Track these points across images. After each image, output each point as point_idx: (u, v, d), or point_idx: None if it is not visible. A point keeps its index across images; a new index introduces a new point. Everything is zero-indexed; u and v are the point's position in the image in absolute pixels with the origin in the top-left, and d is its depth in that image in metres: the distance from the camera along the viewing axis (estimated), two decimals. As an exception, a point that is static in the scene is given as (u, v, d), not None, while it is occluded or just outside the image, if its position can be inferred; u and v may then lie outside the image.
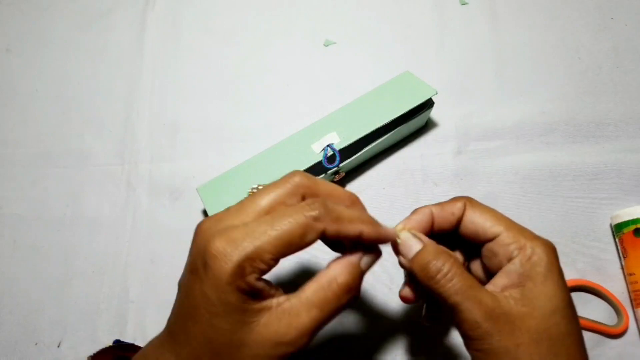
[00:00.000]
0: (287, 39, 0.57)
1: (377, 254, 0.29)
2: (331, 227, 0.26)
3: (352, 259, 0.28)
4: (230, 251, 0.24)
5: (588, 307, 0.44)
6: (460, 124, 0.52)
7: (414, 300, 0.33)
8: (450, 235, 0.32)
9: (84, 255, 0.49)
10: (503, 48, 0.55)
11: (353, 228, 0.27)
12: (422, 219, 0.32)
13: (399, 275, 0.46)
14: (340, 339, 0.44)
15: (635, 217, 0.43)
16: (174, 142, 0.53)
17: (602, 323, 0.43)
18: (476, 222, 0.30)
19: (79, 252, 0.49)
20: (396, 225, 0.31)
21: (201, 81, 0.56)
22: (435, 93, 0.46)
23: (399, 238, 0.30)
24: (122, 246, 0.49)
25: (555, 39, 0.55)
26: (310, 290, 0.26)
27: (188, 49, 0.57)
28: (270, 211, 0.26)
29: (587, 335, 0.43)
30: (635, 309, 0.43)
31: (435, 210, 0.32)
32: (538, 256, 0.28)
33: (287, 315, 0.26)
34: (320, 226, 0.26)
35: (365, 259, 0.28)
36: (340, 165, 0.45)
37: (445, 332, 0.44)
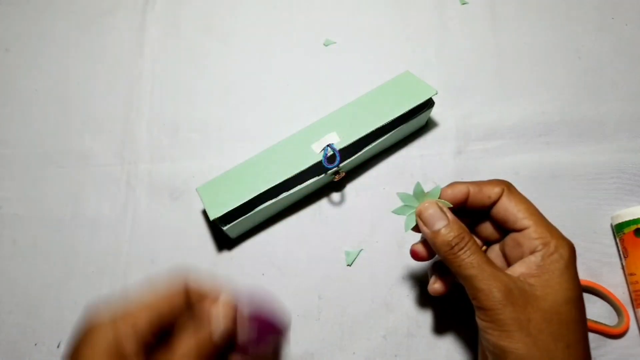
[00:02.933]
0: (287, 38, 0.57)
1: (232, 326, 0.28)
2: (192, 284, 0.28)
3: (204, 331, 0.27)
4: (107, 323, 0.25)
5: (588, 307, 0.43)
6: (460, 124, 0.52)
7: (424, 258, 0.35)
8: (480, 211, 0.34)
9: (84, 255, 0.49)
10: (503, 48, 0.55)
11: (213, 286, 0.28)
12: (456, 194, 0.33)
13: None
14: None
15: (636, 217, 0.43)
16: (174, 142, 0.53)
17: (602, 323, 0.43)
18: (509, 210, 0.32)
19: (79, 252, 0.49)
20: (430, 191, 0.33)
21: (201, 81, 0.56)
22: (435, 93, 0.46)
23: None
24: (122, 246, 0.49)
25: (555, 39, 0.55)
26: None
27: (188, 49, 0.57)
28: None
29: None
30: (636, 309, 0.43)
31: (472, 189, 0.33)
32: (560, 254, 0.30)
33: None
34: (181, 286, 0.27)
35: (219, 328, 0.27)
36: (340, 165, 0.45)
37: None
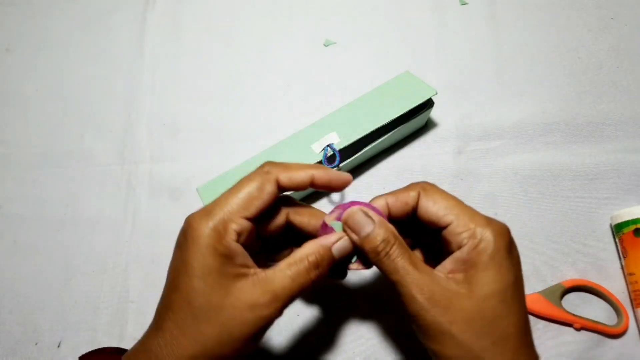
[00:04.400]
0: (287, 39, 0.57)
1: (351, 244, 0.31)
2: (283, 175, 0.30)
3: (325, 241, 0.31)
4: (206, 220, 0.28)
5: (588, 307, 0.44)
6: (460, 124, 0.52)
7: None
8: (412, 219, 0.33)
9: (84, 255, 0.49)
10: (503, 48, 0.55)
11: (303, 172, 0.31)
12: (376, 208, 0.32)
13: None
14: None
15: (635, 217, 0.43)
16: (174, 142, 0.53)
17: (602, 323, 0.43)
18: (429, 211, 0.31)
19: (79, 252, 0.49)
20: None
21: (201, 81, 0.56)
22: (435, 93, 0.46)
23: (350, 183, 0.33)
24: (122, 246, 0.49)
25: (555, 39, 0.55)
26: (284, 264, 0.29)
27: (188, 49, 0.57)
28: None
29: (587, 335, 0.43)
30: (635, 309, 0.43)
31: (389, 200, 0.32)
32: (485, 243, 0.29)
33: (263, 282, 0.28)
34: (272, 176, 0.30)
35: (338, 244, 0.31)
36: (340, 165, 0.45)
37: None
